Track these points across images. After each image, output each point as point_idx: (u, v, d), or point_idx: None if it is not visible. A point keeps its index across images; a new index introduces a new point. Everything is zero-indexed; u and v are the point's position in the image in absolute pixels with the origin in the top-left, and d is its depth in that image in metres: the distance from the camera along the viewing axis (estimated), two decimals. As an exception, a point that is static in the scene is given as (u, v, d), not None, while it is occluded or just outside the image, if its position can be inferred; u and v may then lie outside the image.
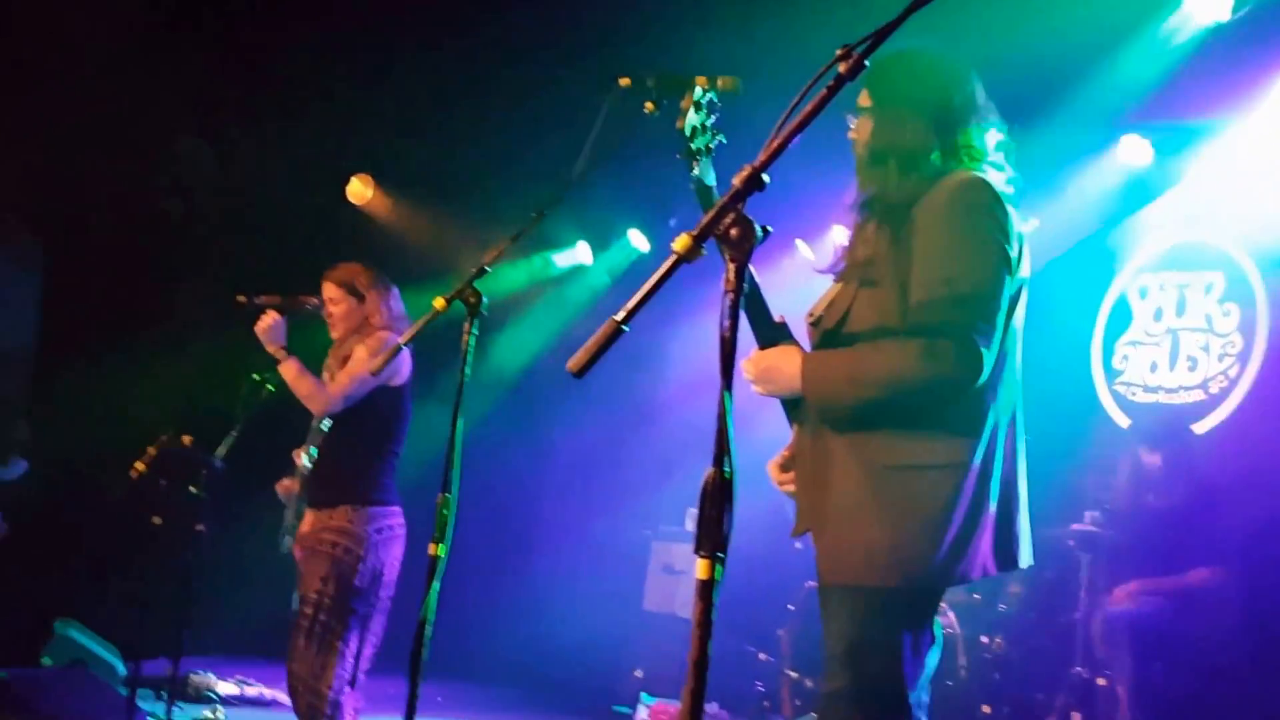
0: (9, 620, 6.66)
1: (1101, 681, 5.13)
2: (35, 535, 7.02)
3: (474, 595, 8.20)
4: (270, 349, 4.56)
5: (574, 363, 1.85)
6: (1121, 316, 6.39)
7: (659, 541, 7.98)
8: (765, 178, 1.82)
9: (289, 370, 4.48)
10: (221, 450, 4.80)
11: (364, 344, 4.45)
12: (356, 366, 4.38)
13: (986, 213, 2.64)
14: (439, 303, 3.15)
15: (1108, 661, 5.13)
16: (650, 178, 7.27)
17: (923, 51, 2.88)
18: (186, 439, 4.70)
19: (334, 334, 4.66)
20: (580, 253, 9.05)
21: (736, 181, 1.81)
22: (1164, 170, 6.29)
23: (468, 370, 3.13)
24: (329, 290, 4.67)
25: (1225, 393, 5.82)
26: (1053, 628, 5.54)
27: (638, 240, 8.88)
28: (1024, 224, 2.79)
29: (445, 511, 3.04)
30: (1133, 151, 6.32)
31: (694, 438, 8.02)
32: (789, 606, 6.50)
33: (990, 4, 5.14)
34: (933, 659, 2.95)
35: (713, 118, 2.56)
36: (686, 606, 7.55)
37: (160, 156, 8.07)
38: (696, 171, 2.57)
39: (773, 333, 2.77)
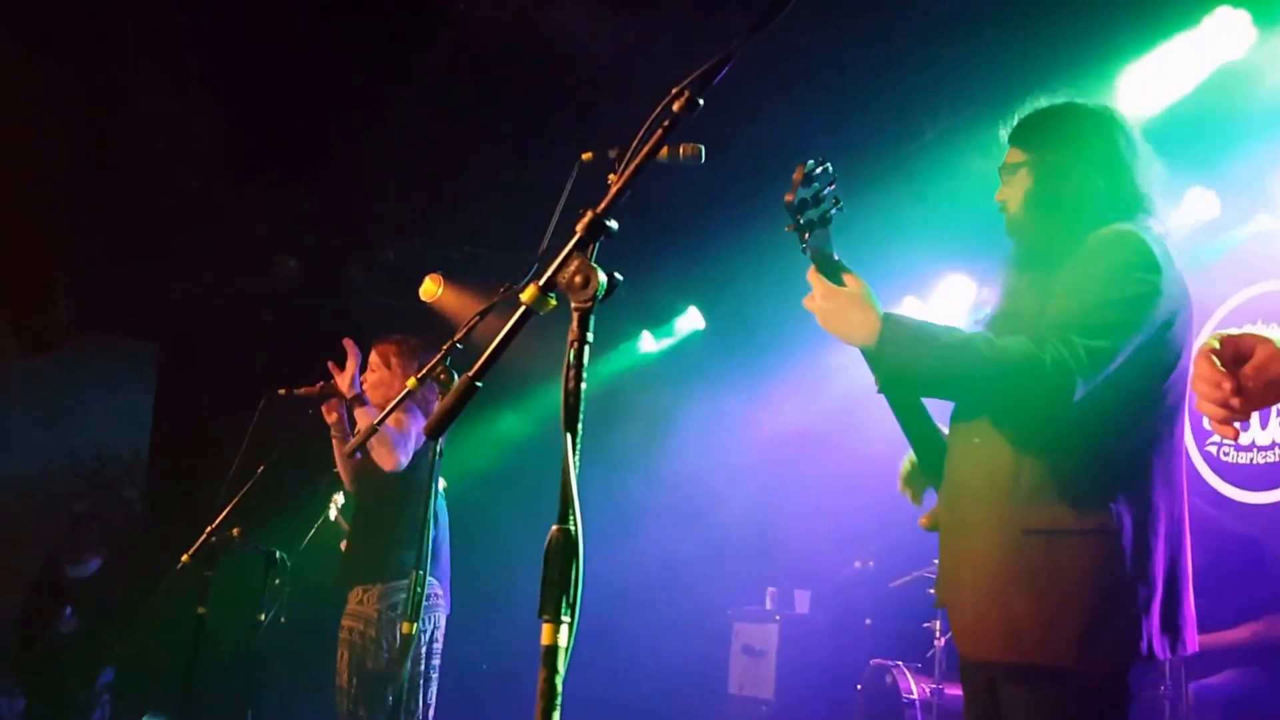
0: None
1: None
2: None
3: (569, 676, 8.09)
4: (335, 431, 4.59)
5: (428, 426, 1.82)
6: (1209, 375, 6.00)
7: (740, 623, 7.82)
8: (611, 224, 1.76)
9: (365, 419, 4.39)
10: None
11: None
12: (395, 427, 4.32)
13: (1127, 267, 2.51)
14: (411, 382, 3.14)
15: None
16: (707, 254, 7.26)
17: (1077, 102, 2.81)
18: (236, 531, 4.72)
19: (371, 400, 4.58)
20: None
21: (579, 229, 1.76)
22: (1235, 217, 5.94)
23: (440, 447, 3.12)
24: (371, 358, 4.69)
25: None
26: (1139, 703, 5.19)
27: (694, 318, 8.90)
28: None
29: (418, 589, 3.03)
30: (1200, 204, 6.03)
31: (775, 515, 7.91)
32: (857, 687, 6.24)
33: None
34: None
35: (829, 188, 2.54)
36: (769, 687, 7.35)
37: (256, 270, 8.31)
38: (807, 244, 2.54)
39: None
